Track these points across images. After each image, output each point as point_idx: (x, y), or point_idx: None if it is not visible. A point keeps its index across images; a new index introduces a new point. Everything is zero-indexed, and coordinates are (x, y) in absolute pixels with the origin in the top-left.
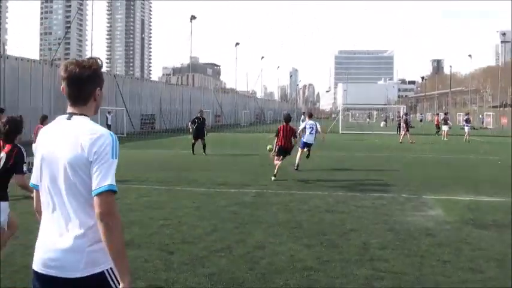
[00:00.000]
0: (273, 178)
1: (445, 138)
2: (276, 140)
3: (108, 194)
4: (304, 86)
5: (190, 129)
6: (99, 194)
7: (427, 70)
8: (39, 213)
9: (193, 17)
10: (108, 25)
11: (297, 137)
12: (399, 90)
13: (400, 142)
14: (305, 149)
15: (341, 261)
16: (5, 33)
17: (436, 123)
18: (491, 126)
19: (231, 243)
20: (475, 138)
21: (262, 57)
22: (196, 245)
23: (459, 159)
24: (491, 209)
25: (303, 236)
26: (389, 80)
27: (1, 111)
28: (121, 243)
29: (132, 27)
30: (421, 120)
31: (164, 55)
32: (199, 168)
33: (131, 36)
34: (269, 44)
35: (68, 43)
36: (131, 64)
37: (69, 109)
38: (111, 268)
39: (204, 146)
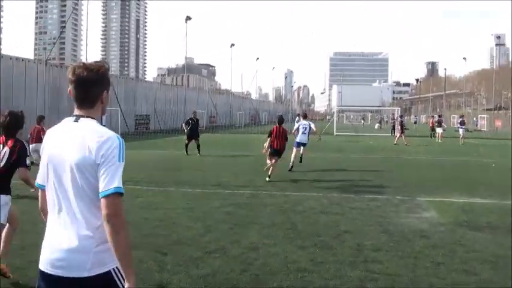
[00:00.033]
0: (267, 179)
1: (440, 141)
2: (268, 141)
3: (115, 196)
4: (299, 88)
5: (185, 130)
6: (106, 196)
7: (422, 72)
8: (45, 212)
9: (188, 18)
10: (103, 25)
11: (287, 141)
12: (394, 92)
13: (395, 144)
14: (299, 148)
15: (335, 262)
16: None
17: (430, 125)
18: (485, 129)
19: (225, 245)
20: (470, 140)
21: (257, 59)
22: (190, 246)
23: (453, 161)
24: (485, 211)
25: (297, 237)
26: (384, 82)
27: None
28: (127, 244)
29: (127, 28)
30: (415, 123)
31: (159, 56)
32: (193, 169)
33: (126, 36)
34: (264, 45)
35: (63, 43)
36: (126, 64)
37: (76, 111)
38: (117, 267)
39: (199, 147)
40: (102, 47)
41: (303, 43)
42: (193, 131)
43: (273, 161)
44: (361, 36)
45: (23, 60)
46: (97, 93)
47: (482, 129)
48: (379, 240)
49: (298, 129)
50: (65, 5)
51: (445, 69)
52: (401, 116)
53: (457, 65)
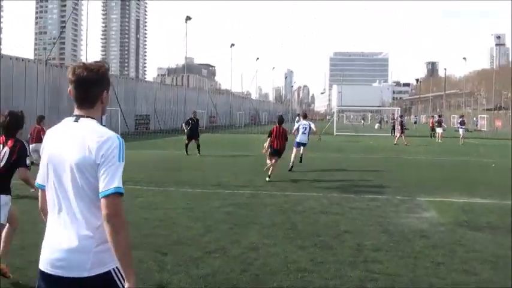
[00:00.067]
0: (267, 179)
1: (440, 140)
2: (268, 140)
3: (115, 196)
4: (299, 88)
5: (185, 130)
6: (106, 196)
7: (422, 72)
8: (45, 212)
9: (188, 18)
10: (103, 25)
11: (287, 140)
12: (394, 92)
13: (395, 144)
14: (299, 148)
15: (335, 262)
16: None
17: (431, 125)
18: (485, 129)
19: (225, 245)
20: (470, 140)
21: (257, 59)
22: (190, 246)
23: (453, 161)
24: (485, 211)
25: (297, 237)
26: (384, 82)
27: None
28: (127, 244)
29: (127, 28)
30: (415, 123)
31: (159, 56)
32: (193, 169)
33: (126, 36)
34: (264, 45)
35: (63, 43)
36: (126, 64)
37: (76, 111)
38: (117, 267)
39: (199, 147)
40: (102, 47)
41: (303, 43)
42: (193, 131)
43: (273, 161)
44: (361, 36)
45: (23, 60)
46: (97, 93)
47: (482, 129)
48: (379, 240)
49: (298, 129)
50: (65, 5)
51: (445, 69)
52: (401, 116)
53: (457, 65)
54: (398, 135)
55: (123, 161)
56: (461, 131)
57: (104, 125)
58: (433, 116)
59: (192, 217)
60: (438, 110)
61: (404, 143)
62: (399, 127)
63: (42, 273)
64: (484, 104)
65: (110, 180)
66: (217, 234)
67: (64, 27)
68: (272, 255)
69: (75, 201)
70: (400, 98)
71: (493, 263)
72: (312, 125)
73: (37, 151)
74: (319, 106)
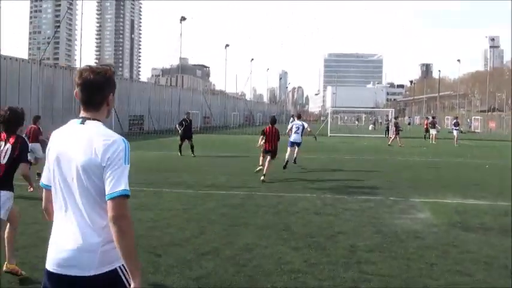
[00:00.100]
0: (262, 178)
1: (434, 142)
2: (261, 140)
3: (121, 199)
4: (294, 89)
5: (179, 131)
6: (112, 199)
7: (416, 74)
8: (48, 212)
9: (183, 18)
10: (98, 25)
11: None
12: (388, 93)
13: (389, 145)
14: (293, 148)
15: (328, 263)
16: None
17: (425, 126)
18: (479, 130)
19: (219, 246)
20: (463, 142)
21: (252, 59)
22: (184, 247)
23: (447, 163)
24: (478, 212)
25: (291, 238)
26: (378, 83)
27: None
28: (132, 245)
29: (121, 28)
30: (409, 124)
31: (153, 56)
32: (187, 170)
33: (121, 36)
34: (259, 46)
35: (57, 42)
36: (120, 64)
37: (82, 113)
38: (123, 265)
39: (192, 147)
40: (96, 47)
41: (297, 45)
42: (187, 132)
43: (268, 158)
44: (355, 37)
45: (17, 60)
46: (103, 96)
47: (476, 131)
48: (372, 241)
49: (291, 128)
50: (59, 5)
51: (439, 71)
52: (396, 118)
53: (451, 67)
54: (392, 136)
55: (129, 164)
56: (455, 132)
57: None
58: (427, 118)
59: (186, 218)
60: (432, 111)
61: (399, 144)
62: (394, 128)
63: (49, 272)
64: (478, 106)
65: (116, 183)
66: (211, 236)
67: (58, 27)
68: (266, 256)
69: (81, 201)
70: (394, 99)
71: (487, 264)
72: (306, 125)
73: (33, 151)
74: (314, 107)
